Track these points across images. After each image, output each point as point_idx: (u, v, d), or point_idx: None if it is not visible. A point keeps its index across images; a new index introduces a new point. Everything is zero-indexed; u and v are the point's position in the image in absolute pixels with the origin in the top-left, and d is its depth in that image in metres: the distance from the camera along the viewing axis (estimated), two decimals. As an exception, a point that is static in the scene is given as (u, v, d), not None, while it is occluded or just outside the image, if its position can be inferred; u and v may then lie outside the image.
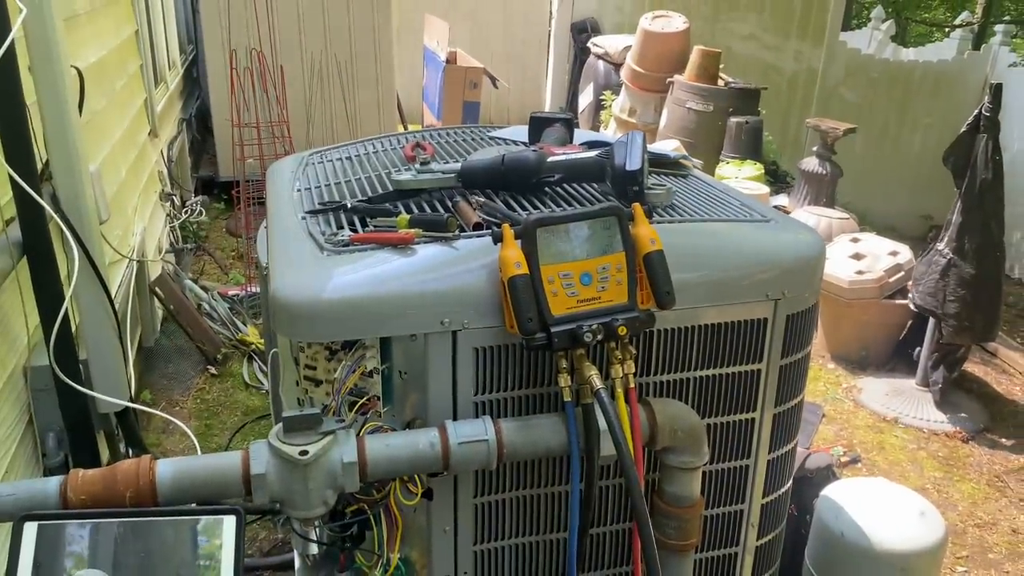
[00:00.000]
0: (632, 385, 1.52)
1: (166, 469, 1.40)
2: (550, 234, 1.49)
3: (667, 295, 1.50)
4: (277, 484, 1.39)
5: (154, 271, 4.56)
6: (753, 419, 1.75)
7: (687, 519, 1.64)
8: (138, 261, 4.02)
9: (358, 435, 1.46)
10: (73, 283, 2.31)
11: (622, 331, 1.47)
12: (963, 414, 4.52)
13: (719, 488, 1.79)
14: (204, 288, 5.16)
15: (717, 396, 1.70)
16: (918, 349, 4.74)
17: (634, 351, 1.55)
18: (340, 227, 1.69)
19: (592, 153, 1.80)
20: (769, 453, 1.81)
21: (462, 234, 1.60)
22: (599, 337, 1.46)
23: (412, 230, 1.58)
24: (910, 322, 4.91)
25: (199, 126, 8.08)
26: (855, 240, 5.12)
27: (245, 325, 4.83)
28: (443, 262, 1.55)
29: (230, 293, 5.19)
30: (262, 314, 3.56)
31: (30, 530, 1.29)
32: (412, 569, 1.65)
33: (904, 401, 4.60)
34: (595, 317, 1.46)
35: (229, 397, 4.22)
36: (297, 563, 1.94)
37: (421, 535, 1.64)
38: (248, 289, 5.20)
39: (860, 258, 4.96)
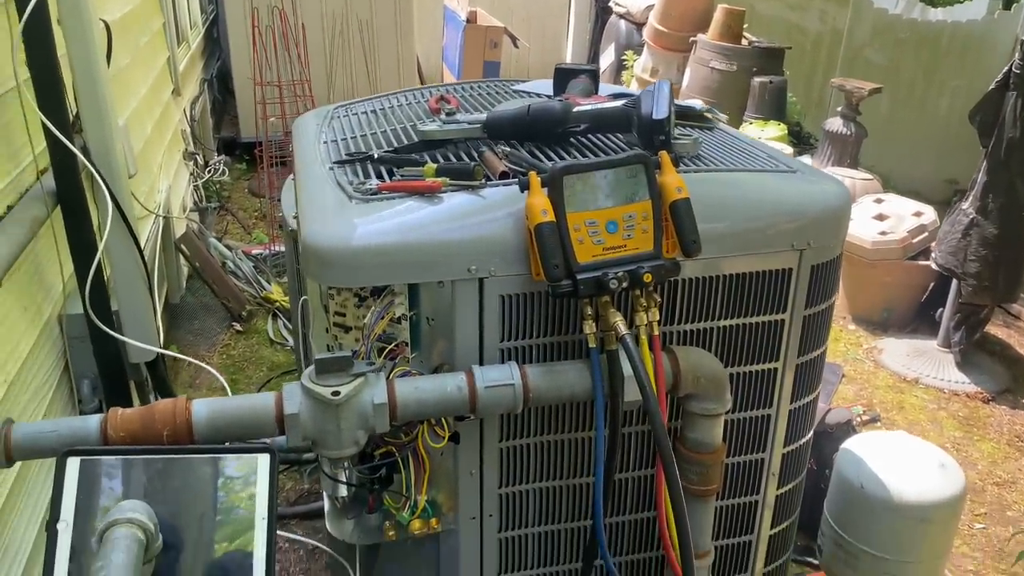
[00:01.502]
0: (656, 332, 1.54)
1: (202, 409, 1.44)
2: (577, 182, 1.49)
3: (693, 244, 1.51)
4: (310, 424, 1.43)
5: (179, 229, 4.60)
6: (776, 369, 1.77)
7: (709, 464, 1.67)
8: (164, 217, 4.07)
9: (387, 379, 1.49)
10: (106, 233, 2.35)
11: (647, 279, 1.48)
12: (985, 375, 4.51)
13: (741, 437, 1.82)
14: (228, 247, 5.21)
15: (740, 345, 1.72)
16: (940, 310, 4.71)
17: (659, 299, 1.56)
18: (367, 177, 1.71)
19: (619, 103, 1.80)
20: (791, 403, 1.83)
21: (489, 183, 1.61)
22: (624, 284, 1.47)
23: (439, 179, 1.60)
24: (933, 283, 4.88)
25: (220, 87, 8.09)
26: (879, 201, 5.07)
27: (269, 283, 4.88)
28: (470, 210, 1.56)
29: (254, 252, 5.24)
30: (287, 271, 3.60)
31: (73, 465, 1.34)
32: (439, 511, 1.69)
33: (925, 362, 4.59)
34: (621, 265, 1.48)
35: (254, 353, 4.28)
36: (327, 505, 1.98)
37: (448, 478, 1.68)
38: (272, 248, 5.24)
39: (884, 219, 4.92)
